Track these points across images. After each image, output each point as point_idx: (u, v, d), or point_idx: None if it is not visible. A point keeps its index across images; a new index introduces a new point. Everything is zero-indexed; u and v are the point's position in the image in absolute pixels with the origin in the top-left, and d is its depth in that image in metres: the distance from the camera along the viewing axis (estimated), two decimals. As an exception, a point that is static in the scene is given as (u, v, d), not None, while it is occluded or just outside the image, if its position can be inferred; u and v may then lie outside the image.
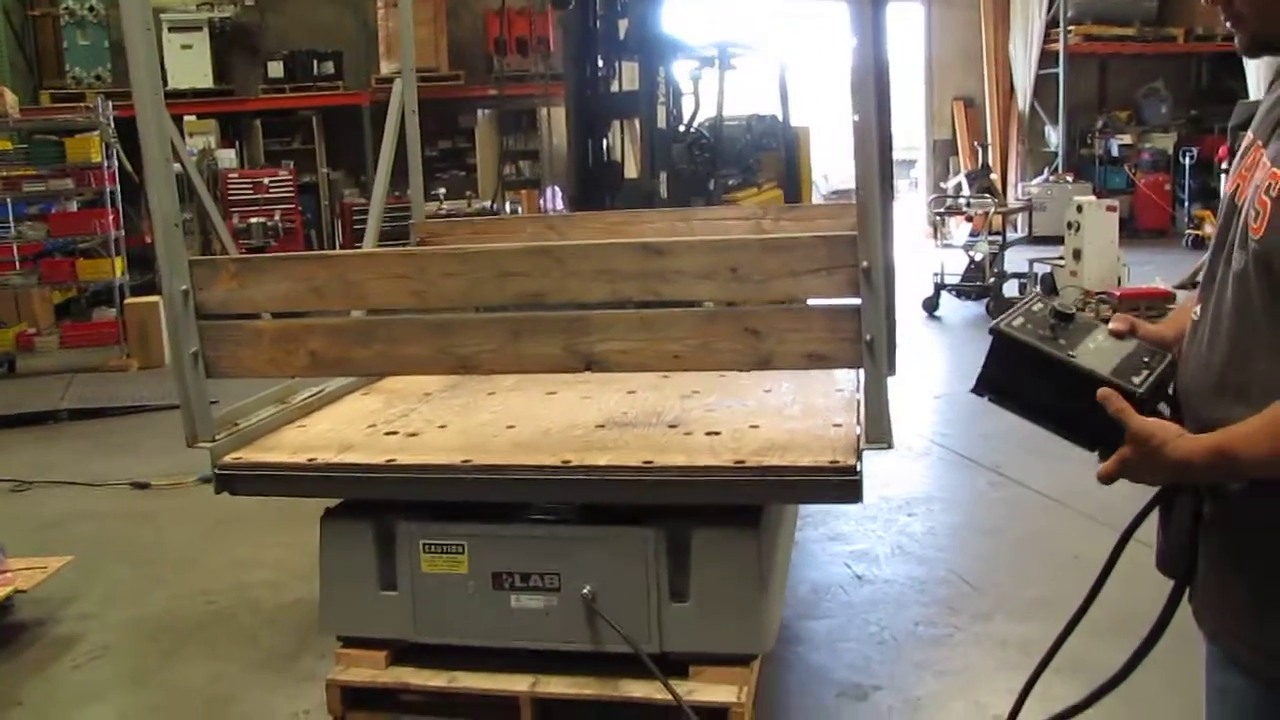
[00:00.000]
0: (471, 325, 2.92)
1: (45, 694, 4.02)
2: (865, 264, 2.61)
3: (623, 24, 7.01)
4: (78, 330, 10.31)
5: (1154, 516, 1.76)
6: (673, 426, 3.15)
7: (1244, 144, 1.69)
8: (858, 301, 2.65)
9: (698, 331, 2.76)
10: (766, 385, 3.63)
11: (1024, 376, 1.68)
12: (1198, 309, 1.67)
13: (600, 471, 2.78)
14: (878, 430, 2.71)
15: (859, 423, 2.98)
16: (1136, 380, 1.60)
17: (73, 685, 4.06)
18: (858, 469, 2.68)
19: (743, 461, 2.75)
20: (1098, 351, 1.65)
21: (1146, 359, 1.67)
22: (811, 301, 2.78)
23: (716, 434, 3.02)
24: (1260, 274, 1.51)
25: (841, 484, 2.67)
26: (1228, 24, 1.62)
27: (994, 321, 1.71)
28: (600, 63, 7.02)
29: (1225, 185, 1.69)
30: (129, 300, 10.07)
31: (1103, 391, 1.58)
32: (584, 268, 2.79)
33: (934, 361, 9.19)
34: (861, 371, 2.93)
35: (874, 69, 2.67)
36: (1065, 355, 1.63)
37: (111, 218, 9.93)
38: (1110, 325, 1.74)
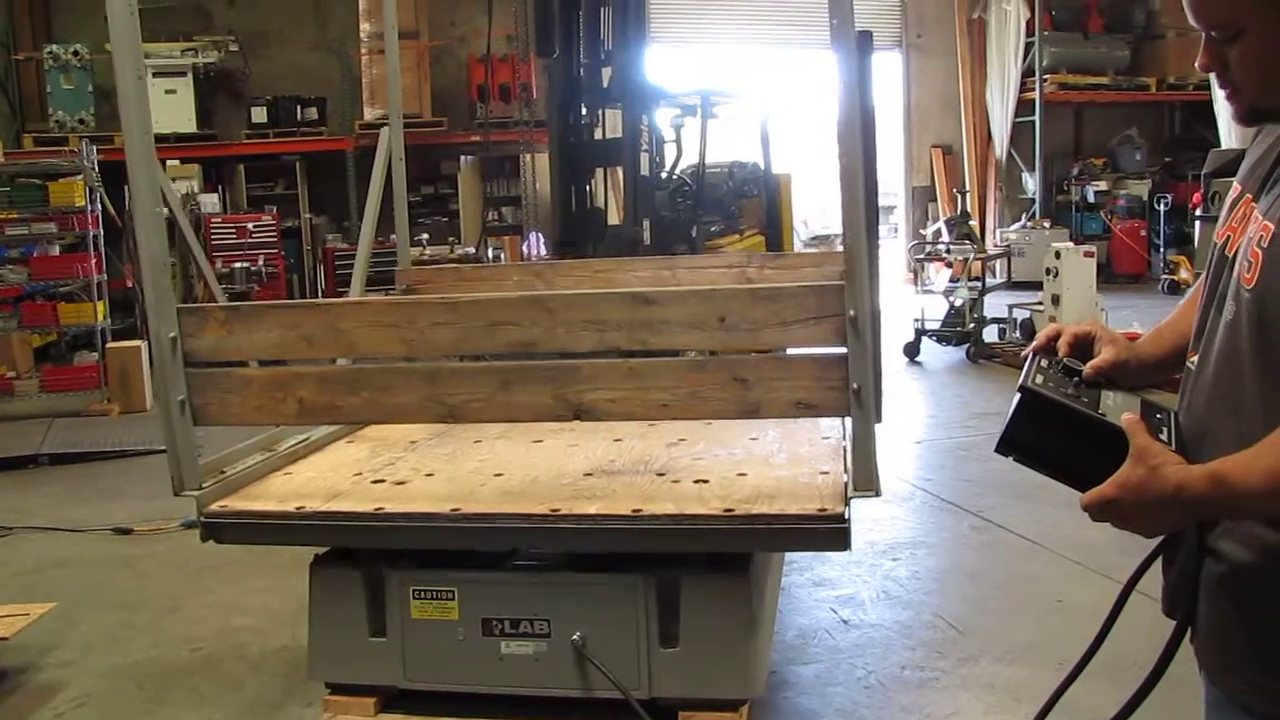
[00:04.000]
0: (461, 374, 2.93)
1: (25, 744, 3.97)
2: (852, 313, 2.64)
3: (606, 72, 7.08)
4: (58, 374, 10.23)
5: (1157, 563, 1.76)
6: (660, 474, 3.17)
7: (1232, 195, 1.70)
8: (844, 350, 2.69)
9: (686, 380, 2.78)
10: (752, 433, 3.65)
11: (1051, 435, 1.66)
12: (1193, 360, 1.70)
13: (590, 520, 2.79)
14: (865, 478, 2.74)
15: (846, 470, 3.00)
16: (1164, 438, 1.62)
17: (54, 735, 4.01)
18: (846, 517, 2.70)
19: (732, 510, 2.76)
20: (1115, 408, 1.66)
21: (1159, 416, 1.69)
22: (797, 350, 2.81)
23: (705, 482, 3.04)
24: (1251, 323, 1.54)
25: (831, 532, 2.70)
26: (1223, 93, 1.62)
27: (1021, 381, 1.68)
28: (584, 110, 7.08)
29: (1215, 235, 1.71)
30: (110, 344, 10.02)
31: (1129, 418, 1.60)
32: (574, 317, 2.81)
33: (915, 407, 9.23)
34: (847, 419, 2.96)
35: (860, 117, 2.72)
36: (1097, 415, 1.64)
37: (94, 262, 9.91)
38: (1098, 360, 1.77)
